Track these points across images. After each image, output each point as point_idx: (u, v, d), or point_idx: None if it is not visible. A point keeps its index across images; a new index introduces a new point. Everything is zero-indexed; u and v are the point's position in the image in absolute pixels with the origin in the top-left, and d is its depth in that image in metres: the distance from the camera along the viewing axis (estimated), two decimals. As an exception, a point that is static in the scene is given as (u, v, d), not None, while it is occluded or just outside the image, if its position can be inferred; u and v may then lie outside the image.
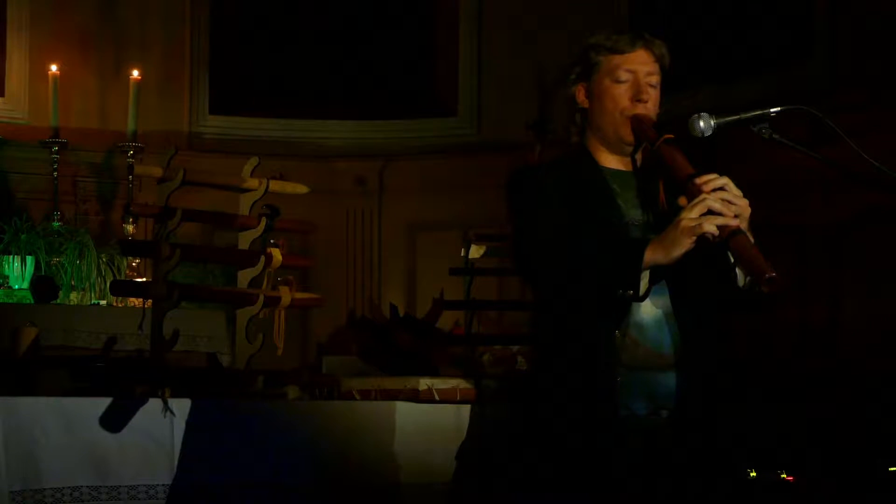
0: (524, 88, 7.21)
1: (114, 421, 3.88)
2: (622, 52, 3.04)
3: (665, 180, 2.96)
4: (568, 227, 2.93)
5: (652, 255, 2.78)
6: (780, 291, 2.68)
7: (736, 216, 2.76)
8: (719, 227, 2.72)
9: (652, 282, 2.82)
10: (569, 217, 2.95)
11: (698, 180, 2.80)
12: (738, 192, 2.80)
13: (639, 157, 3.07)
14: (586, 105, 3.09)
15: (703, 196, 2.76)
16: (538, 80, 7.09)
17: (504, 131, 7.26)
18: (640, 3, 7.21)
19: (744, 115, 2.92)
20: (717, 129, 2.90)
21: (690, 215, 2.75)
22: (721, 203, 2.75)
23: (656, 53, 3.06)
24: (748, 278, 2.83)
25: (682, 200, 2.81)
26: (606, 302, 2.84)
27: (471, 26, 7.72)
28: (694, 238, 2.74)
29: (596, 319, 2.89)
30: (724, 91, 6.46)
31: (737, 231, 2.73)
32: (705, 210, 2.74)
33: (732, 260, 2.84)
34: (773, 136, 2.91)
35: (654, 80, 3.05)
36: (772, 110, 2.90)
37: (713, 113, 2.90)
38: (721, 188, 2.78)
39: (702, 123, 2.89)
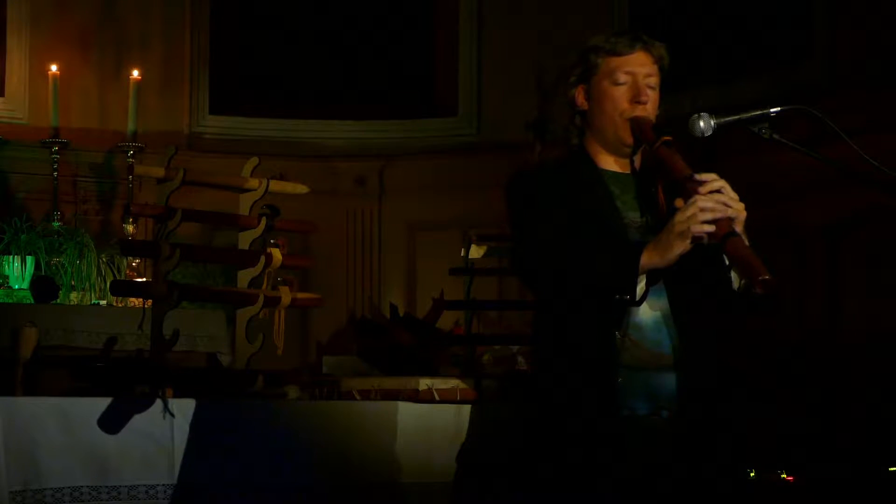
0: (524, 88, 7.21)
1: (114, 421, 3.88)
2: (621, 55, 3.04)
3: (664, 182, 2.97)
4: (567, 231, 2.94)
5: (648, 259, 2.79)
6: (774, 293, 2.68)
7: (731, 218, 2.76)
8: (713, 229, 2.73)
9: (649, 284, 2.82)
10: (568, 220, 2.96)
11: (695, 182, 2.80)
12: (735, 196, 2.80)
13: (637, 158, 3.08)
14: (586, 107, 3.09)
15: (696, 198, 2.76)
16: (538, 80, 7.09)
17: (504, 131, 7.26)
18: (640, 3, 7.21)
19: (744, 115, 2.92)
20: (717, 129, 2.90)
21: (683, 218, 2.75)
22: (715, 202, 2.75)
23: (655, 55, 3.07)
24: (743, 281, 2.84)
25: (679, 202, 2.81)
26: (604, 306, 2.84)
27: (471, 26, 7.72)
28: (689, 240, 2.75)
29: (595, 321, 2.89)
30: (724, 91, 6.47)
31: (731, 233, 2.73)
32: (698, 210, 2.75)
33: (728, 262, 2.85)
34: (773, 136, 2.91)
35: (653, 81, 3.05)
36: (772, 110, 2.91)
37: (713, 113, 2.91)
38: (717, 191, 2.78)
39: (702, 123, 2.89)
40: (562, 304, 2.96)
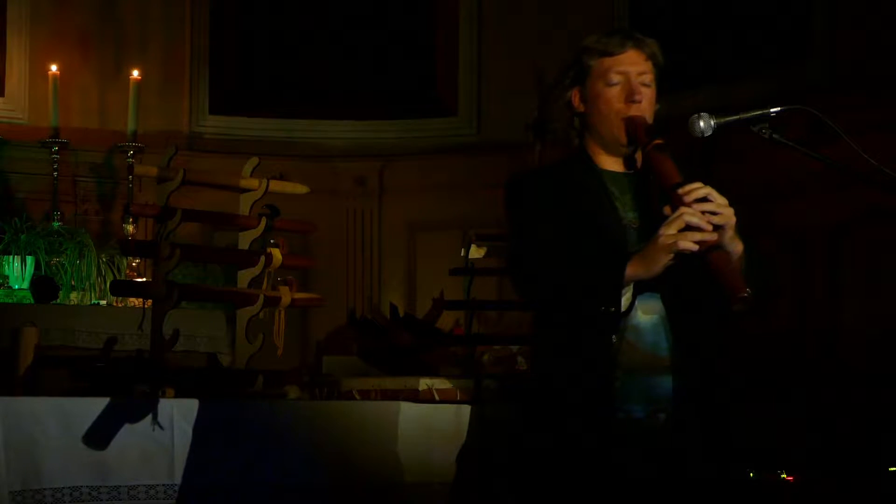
0: (524, 88, 7.21)
1: (114, 421, 3.88)
2: (612, 55, 3.04)
3: (656, 186, 2.96)
4: (561, 237, 2.94)
5: (633, 272, 2.80)
6: (752, 309, 2.68)
7: (719, 227, 2.76)
8: (697, 248, 2.73)
9: (637, 293, 2.83)
10: (565, 221, 2.96)
11: (681, 191, 2.80)
12: (723, 201, 2.79)
13: (638, 157, 3.07)
14: (582, 109, 3.09)
15: (681, 211, 2.76)
16: (538, 80, 7.09)
17: (504, 131, 7.25)
18: (640, 3, 7.21)
19: (744, 115, 2.92)
20: (717, 129, 2.90)
21: (668, 231, 2.75)
22: (699, 217, 2.75)
23: (647, 52, 3.06)
24: None
25: (667, 209, 2.81)
26: (593, 316, 2.85)
27: (471, 26, 7.72)
28: (672, 254, 2.75)
29: (592, 325, 2.89)
30: (724, 91, 6.46)
31: (714, 247, 2.73)
32: (683, 225, 2.75)
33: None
34: (773, 136, 2.91)
35: (647, 79, 3.04)
36: (772, 110, 2.91)
37: (713, 113, 2.90)
38: (704, 199, 2.78)
39: (702, 123, 2.89)
40: (555, 312, 2.97)
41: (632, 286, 2.82)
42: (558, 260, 2.91)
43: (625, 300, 2.81)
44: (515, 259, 3.04)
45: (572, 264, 2.89)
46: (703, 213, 2.76)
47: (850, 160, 2.92)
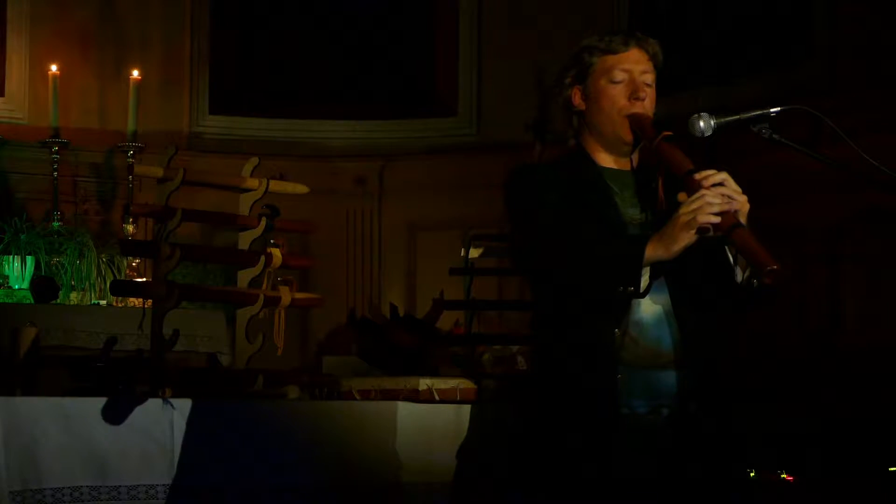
0: (524, 88, 7.22)
1: (114, 421, 3.88)
2: (616, 53, 3.05)
3: (664, 178, 2.96)
4: (567, 225, 2.93)
5: (653, 251, 2.78)
6: (781, 284, 2.68)
7: (736, 210, 2.76)
8: (719, 220, 2.73)
9: (652, 278, 2.82)
10: (567, 216, 2.95)
11: (697, 175, 2.80)
12: (737, 188, 2.80)
13: (636, 156, 3.08)
14: (583, 107, 3.09)
15: (701, 192, 2.76)
16: (538, 80, 7.09)
17: (504, 131, 7.26)
18: (640, 3, 7.21)
19: (744, 115, 2.92)
20: (717, 129, 2.90)
21: (688, 210, 2.75)
22: (720, 198, 2.75)
23: (650, 52, 3.07)
24: (747, 273, 2.83)
25: (682, 196, 2.80)
26: (608, 299, 2.84)
27: (471, 26, 7.72)
28: (693, 232, 2.74)
29: (596, 318, 2.89)
30: (724, 91, 6.47)
31: (737, 224, 2.73)
32: (703, 205, 2.75)
33: (731, 258, 2.85)
34: (773, 136, 2.91)
35: (650, 78, 3.05)
36: (772, 110, 2.91)
37: (713, 113, 2.91)
38: (720, 183, 2.78)
39: (702, 123, 2.89)
40: (562, 300, 2.95)
41: (649, 269, 2.80)
42: (569, 243, 2.90)
43: (642, 282, 2.79)
44: (523, 245, 3.02)
45: (588, 245, 2.88)
46: (722, 197, 2.76)
47: (850, 160, 2.92)
